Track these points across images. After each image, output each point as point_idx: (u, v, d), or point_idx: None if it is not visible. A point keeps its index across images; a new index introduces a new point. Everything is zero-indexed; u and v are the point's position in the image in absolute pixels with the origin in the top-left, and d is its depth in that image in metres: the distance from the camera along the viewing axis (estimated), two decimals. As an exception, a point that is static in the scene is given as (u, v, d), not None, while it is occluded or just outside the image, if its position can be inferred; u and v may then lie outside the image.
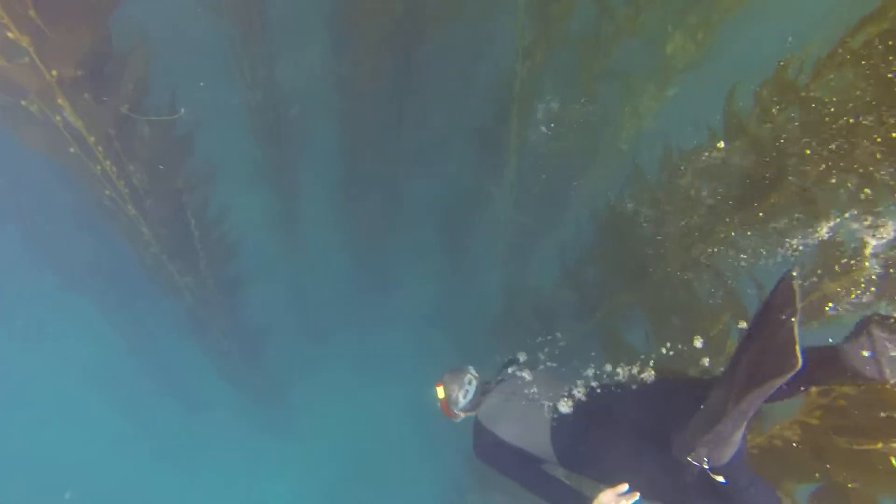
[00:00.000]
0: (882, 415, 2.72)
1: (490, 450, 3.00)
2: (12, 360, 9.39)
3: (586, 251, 5.89)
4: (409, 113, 7.76)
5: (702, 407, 2.13)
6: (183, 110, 4.88)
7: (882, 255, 3.12)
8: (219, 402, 8.70)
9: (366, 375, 9.18)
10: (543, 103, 6.94)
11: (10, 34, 3.37)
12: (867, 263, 3.17)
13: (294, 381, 8.84)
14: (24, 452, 9.27)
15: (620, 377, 2.93)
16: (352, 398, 9.07)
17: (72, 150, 4.43)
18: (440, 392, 3.14)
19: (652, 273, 4.85)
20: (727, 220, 3.97)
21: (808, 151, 3.28)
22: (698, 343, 3.74)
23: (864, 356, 2.00)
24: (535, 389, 2.95)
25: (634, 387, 2.70)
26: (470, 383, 3.15)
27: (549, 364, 3.35)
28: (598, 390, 2.79)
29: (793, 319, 1.80)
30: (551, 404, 2.83)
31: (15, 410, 9.36)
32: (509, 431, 2.94)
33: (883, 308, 3.10)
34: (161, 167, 5.08)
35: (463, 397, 3.12)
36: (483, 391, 3.17)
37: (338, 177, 8.05)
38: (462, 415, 3.19)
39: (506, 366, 3.30)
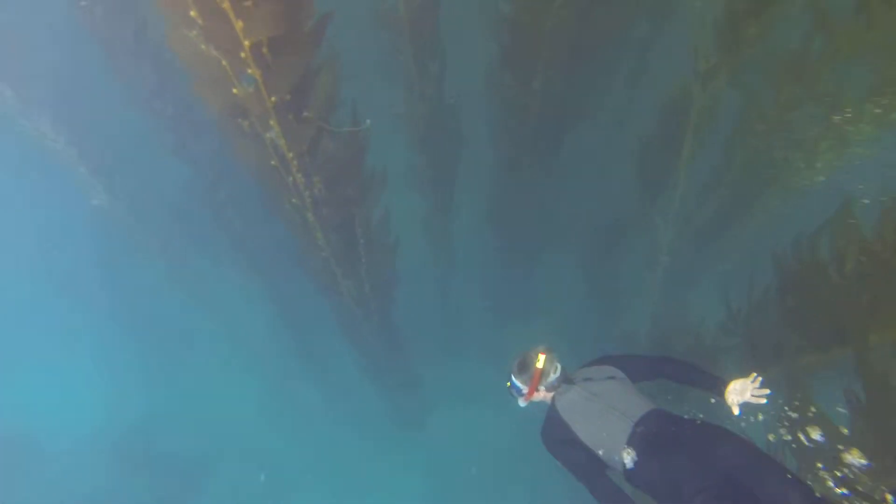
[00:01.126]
0: None
1: (561, 443, 3.00)
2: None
3: (762, 296, 5.34)
4: (571, 129, 7.61)
5: None
6: (368, 122, 5.18)
7: None
8: (357, 393, 9.26)
9: (495, 388, 9.25)
10: (719, 130, 6.43)
11: (249, 70, 3.79)
12: None
13: (428, 383, 9.15)
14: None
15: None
16: (480, 407, 9.18)
17: (273, 163, 4.90)
18: (541, 361, 3.05)
19: (851, 339, 4.26)
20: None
21: None
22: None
23: None
24: (624, 400, 2.94)
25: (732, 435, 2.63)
26: (559, 365, 3.12)
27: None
28: (692, 422, 2.79)
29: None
30: (635, 421, 2.82)
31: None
32: (586, 431, 2.93)
33: None
34: (338, 176, 5.44)
35: (553, 373, 3.08)
36: (565, 379, 3.12)
37: (492, 189, 8.14)
38: (541, 395, 3.11)
39: (593, 363, 3.24)
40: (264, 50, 3.80)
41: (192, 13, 3.65)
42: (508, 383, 3.21)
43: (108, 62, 6.83)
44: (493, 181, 8.28)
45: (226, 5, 3.46)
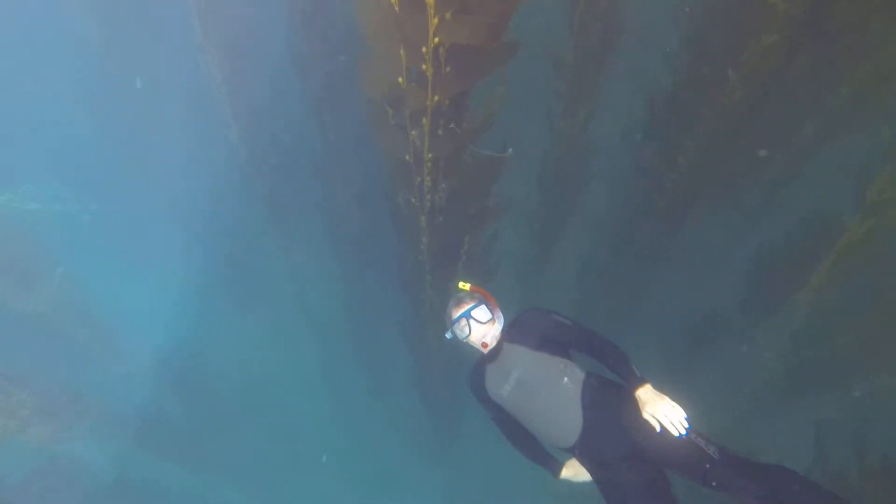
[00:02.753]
0: None
1: (488, 402, 3.10)
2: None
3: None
4: (697, 215, 7.23)
5: None
6: (511, 151, 5.14)
7: None
8: (401, 399, 9.22)
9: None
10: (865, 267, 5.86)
11: (423, 66, 3.85)
12: None
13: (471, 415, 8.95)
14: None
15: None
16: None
17: (407, 157, 4.95)
18: (487, 307, 3.03)
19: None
20: None
21: None
22: None
23: None
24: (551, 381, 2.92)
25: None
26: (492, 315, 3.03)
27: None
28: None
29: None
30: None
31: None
32: (528, 409, 2.97)
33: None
34: (465, 193, 5.42)
35: (499, 321, 3.06)
36: (509, 337, 3.05)
37: (593, 249, 7.89)
38: (478, 340, 3.00)
39: (520, 326, 3.09)
40: (442, 51, 3.84)
41: (394, -1, 3.75)
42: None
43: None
44: (598, 241, 8.03)
45: (430, 1, 3.52)
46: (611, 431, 2.80)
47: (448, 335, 3.11)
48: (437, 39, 3.76)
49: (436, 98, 4.17)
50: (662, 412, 2.61)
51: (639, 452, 2.72)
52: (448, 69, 4.07)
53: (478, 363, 3.18)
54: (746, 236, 7.82)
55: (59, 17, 9.07)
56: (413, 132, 4.65)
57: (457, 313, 3.03)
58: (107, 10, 8.74)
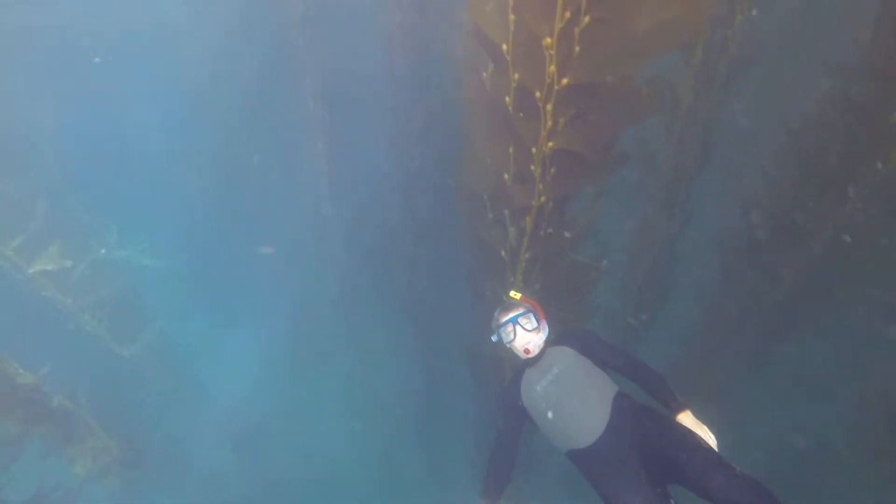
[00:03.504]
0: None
1: (511, 409, 3.23)
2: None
3: None
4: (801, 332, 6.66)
5: None
6: (606, 262, 5.07)
7: None
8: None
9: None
10: None
11: (532, 167, 3.95)
12: None
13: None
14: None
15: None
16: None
17: (503, 253, 4.96)
18: (534, 317, 3.24)
19: None
20: None
21: None
22: None
23: None
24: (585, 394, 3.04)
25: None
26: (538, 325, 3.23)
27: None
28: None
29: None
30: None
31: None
32: (557, 405, 3.06)
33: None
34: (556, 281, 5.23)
35: (544, 332, 3.25)
36: (555, 343, 3.27)
37: (675, 352, 7.42)
38: (521, 346, 3.17)
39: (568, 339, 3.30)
40: (550, 153, 3.91)
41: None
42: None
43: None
44: (683, 354, 7.54)
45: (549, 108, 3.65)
46: (627, 443, 2.88)
47: (494, 338, 3.30)
48: (550, 144, 3.85)
49: (542, 199, 4.22)
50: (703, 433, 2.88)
51: (643, 467, 2.84)
52: (554, 170, 4.14)
53: (517, 371, 3.36)
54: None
55: (193, 100, 10.19)
56: (512, 229, 4.69)
57: (504, 318, 3.23)
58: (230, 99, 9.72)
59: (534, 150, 4.00)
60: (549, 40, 3.25)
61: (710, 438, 2.85)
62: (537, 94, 3.68)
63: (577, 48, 3.24)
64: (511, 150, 4.22)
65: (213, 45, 9.52)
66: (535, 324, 3.19)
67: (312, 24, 8.03)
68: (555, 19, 3.12)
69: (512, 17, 3.42)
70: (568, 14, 3.08)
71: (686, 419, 2.95)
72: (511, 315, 3.21)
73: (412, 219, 8.58)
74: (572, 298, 5.31)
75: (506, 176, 4.40)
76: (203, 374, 10.36)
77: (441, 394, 9.15)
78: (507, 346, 3.22)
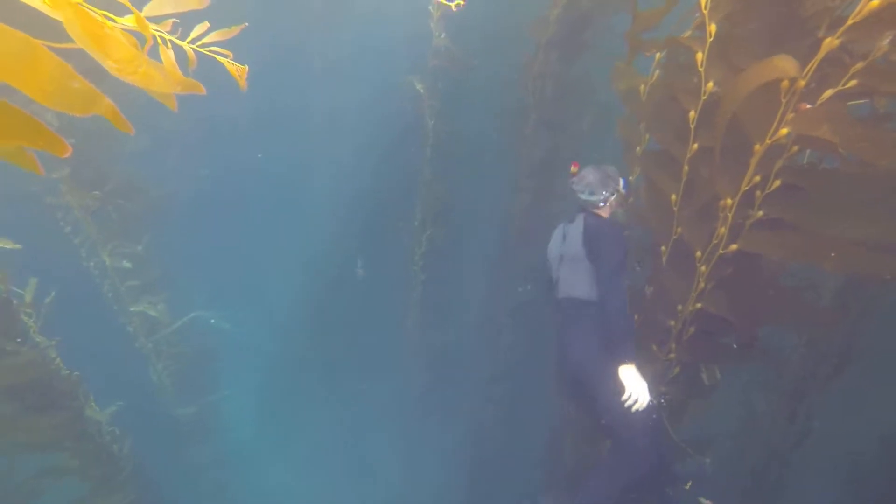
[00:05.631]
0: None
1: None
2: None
3: None
4: None
5: None
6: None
7: None
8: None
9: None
10: None
11: (672, 322, 3.68)
12: None
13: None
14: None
15: None
16: None
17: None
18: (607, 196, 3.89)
19: None
20: None
21: None
22: None
23: None
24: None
25: None
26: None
27: None
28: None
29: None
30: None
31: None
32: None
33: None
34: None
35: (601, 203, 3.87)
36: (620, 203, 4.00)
37: None
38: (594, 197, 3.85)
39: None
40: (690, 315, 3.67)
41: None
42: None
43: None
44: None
45: (703, 269, 3.49)
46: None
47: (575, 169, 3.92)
48: (698, 305, 3.63)
49: (676, 370, 3.90)
50: (636, 390, 3.31)
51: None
52: (693, 330, 3.86)
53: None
54: None
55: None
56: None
57: (582, 172, 3.92)
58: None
59: (679, 307, 3.79)
60: (729, 200, 3.18)
61: (633, 397, 3.28)
62: (697, 253, 3.56)
63: (760, 213, 3.14)
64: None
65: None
66: (602, 194, 3.85)
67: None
68: (742, 180, 3.08)
69: (687, 167, 3.43)
70: (758, 178, 3.03)
71: (626, 372, 3.33)
72: (602, 175, 3.89)
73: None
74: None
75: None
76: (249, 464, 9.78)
77: None
78: (574, 180, 3.91)
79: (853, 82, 2.46)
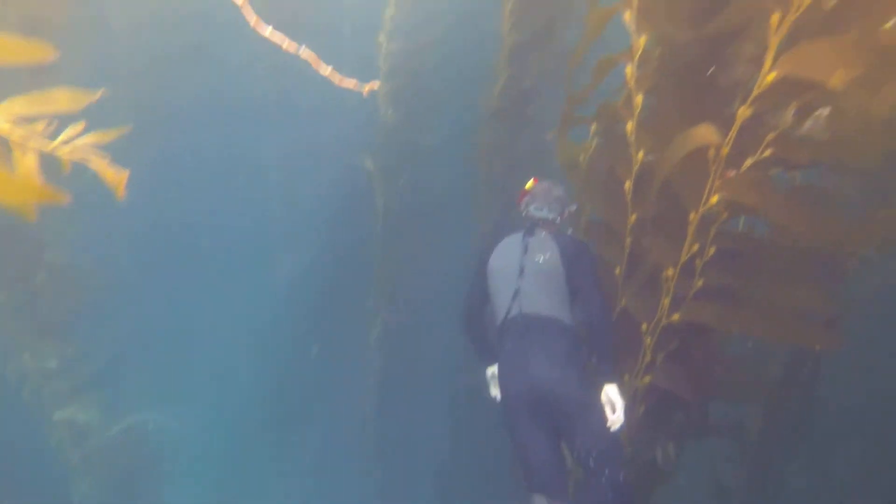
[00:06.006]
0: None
1: (482, 265, 3.70)
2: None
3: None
4: None
5: None
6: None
7: None
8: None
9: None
10: None
11: (669, 271, 3.50)
12: None
13: None
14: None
15: None
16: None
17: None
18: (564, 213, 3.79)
19: None
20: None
21: None
22: None
23: None
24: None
25: None
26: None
27: None
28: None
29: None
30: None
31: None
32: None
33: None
34: None
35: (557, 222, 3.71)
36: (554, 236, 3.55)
37: None
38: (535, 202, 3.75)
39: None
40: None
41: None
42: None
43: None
44: None
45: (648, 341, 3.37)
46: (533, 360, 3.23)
47: (528, 185, 3.79)
48: (646, 379, 3.47)
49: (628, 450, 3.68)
50: (618, 409, 3.09)
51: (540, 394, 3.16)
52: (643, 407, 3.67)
53: (504, 233, 3.70)
54: None
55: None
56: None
57: (544, 185, 3.80)
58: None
59: (626, 377, 3.62)
60: (670, 270, 3.12)
61: (618, 417, 3.08)
62: (644, 325, 3.45)
63: (700, 281, 3.08)
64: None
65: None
66: (559, 211, 3.71)
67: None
68: (682, 249, 3.03)
69: (629, 239, 3.39)
70: (696, 246, 2.99)
71: (610, 390, 3.14)
72: (550, 188, 3.78)
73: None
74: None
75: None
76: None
77: None
78: (526, 200, 3.76)
79: (769, 151, 2.49)
